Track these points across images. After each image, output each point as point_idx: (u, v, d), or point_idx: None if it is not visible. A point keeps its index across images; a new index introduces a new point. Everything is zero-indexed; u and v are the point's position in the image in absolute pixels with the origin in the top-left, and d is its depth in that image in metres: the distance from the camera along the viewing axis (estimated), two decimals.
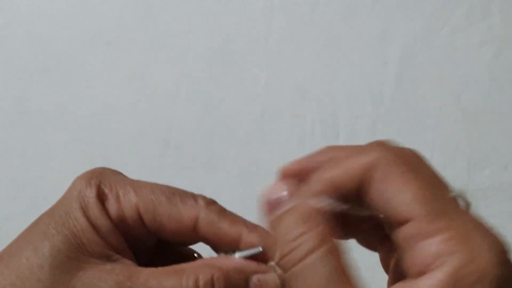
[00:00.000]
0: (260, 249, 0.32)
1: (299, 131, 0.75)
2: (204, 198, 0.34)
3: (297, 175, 0.32)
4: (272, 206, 0.30)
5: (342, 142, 0.74)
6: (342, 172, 0.29)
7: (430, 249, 0.25)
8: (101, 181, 0.32)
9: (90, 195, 0.32)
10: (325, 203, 0.29)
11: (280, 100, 0.76)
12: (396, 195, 0.27)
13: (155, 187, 0.33)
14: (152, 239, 0.34)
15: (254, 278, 0.31)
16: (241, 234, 0.32)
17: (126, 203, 0.32)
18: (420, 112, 0.75)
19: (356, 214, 0.31)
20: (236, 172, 0.73)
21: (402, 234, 0.27)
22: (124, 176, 0.34)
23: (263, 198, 0.30)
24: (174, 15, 0.79)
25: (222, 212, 0.33)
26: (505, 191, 0.72)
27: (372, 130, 0.75)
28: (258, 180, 0.72)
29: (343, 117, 0.75)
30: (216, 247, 0.33)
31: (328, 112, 0.76)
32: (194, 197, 0.33)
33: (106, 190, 0.32)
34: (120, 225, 0.32)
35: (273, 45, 0.78)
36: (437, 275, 0.24)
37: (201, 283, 0.30)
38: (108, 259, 0.31)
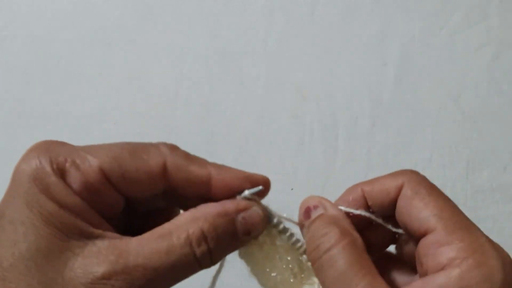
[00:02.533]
0: (261, 187, 0.34)
1: (298, 131, 0.75)
2: (166, 144, 0.33)
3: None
4: (307, 213, 0.34)
5: (341, 142, 0.74)
6: (379, 186, 0.35)
7: (448, 254, 0.30)
8: (52, 156, 0.30)
9: (47, 174, 0.29)
10: (349, 209, 0.35)
11: (280, 101, 0.76)
12: (421, 210, 0.32)
13: (113, 146, 0.32)
14: (120, 202, 0.32)
15: (239, 217, 0.32)
16: (210, 174, 0.33)
17: (88, 169, 0.30)
18: (419, 113, 0.75)
19: (377, 223, 0.35)
20: None
21: (423, 242, 0.32)
22: (72, 145, 0.32)
23: (300, 208, 0.35)
24: (173, 16, 0.79)
25: (188, 156, 0.34)
26: (504, 192, 0.73)
27: (371, 130, 0.75)
28: None
29: (343, 117, 0.75)
30: (185, 193, 0.33)
31: (327, 112, 0.76)
32: (155, 146, 0.33)
33: (61, 163, 0.30)
34: (87, 194, 0.30)
35: (272, 46, 0.78)
36: (452, 272, 0.29)
37: (192, 238, 0.30)
38: (89, 237, 0.29)
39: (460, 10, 0.77)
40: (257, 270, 0.35)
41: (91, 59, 0.78)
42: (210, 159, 0.81)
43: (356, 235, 0.32)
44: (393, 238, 0.37)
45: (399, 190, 0.34)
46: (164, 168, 0.32)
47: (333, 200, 0.36)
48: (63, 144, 0.32)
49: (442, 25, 0.77)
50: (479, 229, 0.32)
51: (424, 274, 0.31)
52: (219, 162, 0.84)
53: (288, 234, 0.35)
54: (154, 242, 0.30)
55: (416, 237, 0.32)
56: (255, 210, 0.33)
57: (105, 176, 0.31)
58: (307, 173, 0.73)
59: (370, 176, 0.75)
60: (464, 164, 0.74)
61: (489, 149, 0.74)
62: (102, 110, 0.76)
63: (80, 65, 0.78)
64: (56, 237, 0.28)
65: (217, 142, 0.76)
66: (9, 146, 0.75)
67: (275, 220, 0.35)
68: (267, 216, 0.34)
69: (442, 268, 0.30)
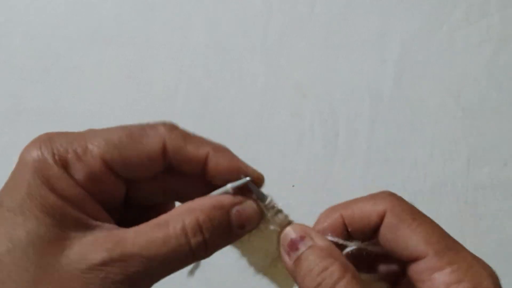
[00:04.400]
0: (248, 179, 0.33)
1: (298, 129, 0.75)
2: (164, 124, 0.33)
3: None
4: (293, 246, 0.33)
5: (341, 139, 0.74)
6: (359, 213, 0.34)
7: (442, 279, 0.31)
8: (54, 147, 0.30)
9: (49, 165, 0.30)
10: (339, 239, 0.34)
11: (279, 98, 0.76)
12: (409, 238, 0.32)
13: (111, 132, 0.32)
14: (121, 190, 0.32)
15: (234, 210, 0.32)
16: (207, 155, 0.33)
17: (90, 159, 0.30)
18: (419, 109, 0.75)
19: (367, 250, 0.35)
20: None
21: (416, 268, 0.32)
22: (73, 133, 0.32)
23: (282, 240, 0.33)
24: (173, 13, 0.79)
25: (187, 135, 0.33)
26: (505, 188, 0.72)
27: (371, 128, 0.75)
28: None
29: (342, 115, 0.75)
30: (183, 170, 0.33)
31: (327, 110, 0.76)
32: (154, 127, 0.33)
33: (63, 154, 0.30)
34: (89, 185, 0.30)
35: (272, 43, 0.78)
36: None
37: (188, 228, 0.30)
38: (87, 228, 0.29)
39: (460, 7, 0.77)
40: (248, 253, 0.35)
41: (90, 56, 0.78)
42: None
43: (350, 264, 0.32)
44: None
45: (381, 218, 0.33)
46: (164, 150, 0.32)
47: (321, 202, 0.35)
48: (64, 134, 0.32)
49: (442, 22, 0.77)
50: (464, 248, 0.32)
51: None
52: None
53: (281, 215, 0.34)
54: (151, 231, 0.30)
55: (407, 262, 0.33)
56: (250, 204, 0.33)
57: (106, 165, 0.31)
58: (308, 170, 0.73)
59: (370, 173, 0.75)
60: (465, 160, 0.74)
61: (490, 145, 0.74)
62: (101, 107, 0.76)
63: (79, 62, 0.77)
64: (55, 227, 0.29)
65: (216, 139, 0.75)
66: (8, 143, 0.75)
67: (267, 201, 0.34)
68: (263, 211, 0.34)
69: None
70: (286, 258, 0.33)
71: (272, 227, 0.34)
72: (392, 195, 0.34)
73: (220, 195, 0.33)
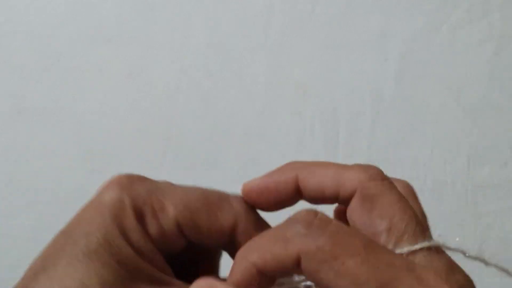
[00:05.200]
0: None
1: (299, 128, 0.75)
2: (240, 201, 0.31)
3: (259, 193, 0.32)
4: None
5: (342, 139, 0.74)
6: (270, 258, 0.27)
7: None
8: (133, 196, 0.29)
9: (128, 215, 0.28)
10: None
11: (280, 97, 0.76)
12: (334, 285, 0.25)
13: (189, 194, 0.30)
14: (182, 247, 0.31)
15: None
16: None
17: (165, 218, 0.29)
18: (420, 109, 0.75)
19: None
20: (236, 169, 0.73)
21: None
22: (152, 181, 0.31)
23: None
24: (173, 12, 0.79)
25: (258, 221, 0.31)
26: (505, 188, 0.72)
27: (372, 127, 0.75)
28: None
29: (343, 114, 0.75)
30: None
31: (328, 109, 0.76)
32: (228, 200, 0.31)
33: (142, 207, 0.29)
34: (160, 242, 0.29)
35: (273, 42, 0.77)
36: None
37: None
38: (161, 283, 0.28)
39: (462, 6, 0.77)
40: None
41: (91, 56, 0.78)
42: (211, 156, 0.81)
43: None
44: None
45: (297, 261, 0.27)
46: (234, 229, 0.31)
47: None
48: (144, 181, 0.31)
49: (444, 21, 0.77)
50: (406, 268, 0.25)
51: None
52: (219, 159, 0.83)
53: None
54: None
55: None
56: None
57: (179, 227, 0.30)
58: None
59: None
60: (465, 159, 0.74)
61: (490, 144, 0.74)
62: (102, 106, 0.76)
63: (80, 61, 0.77)
64: (128, 280, 0.27)
65: (217, 139, 0.76)
66: (9, 143, 0.75)
67: None
68: None
69: None
70: None
71: None
72: (302, 229, 0.27)
73: None
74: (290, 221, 0.28)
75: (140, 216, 0.29)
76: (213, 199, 0.31)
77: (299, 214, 0.28)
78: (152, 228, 0.29)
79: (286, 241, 0.27)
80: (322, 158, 0.74)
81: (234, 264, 0.29)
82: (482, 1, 0.77)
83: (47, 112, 0.76)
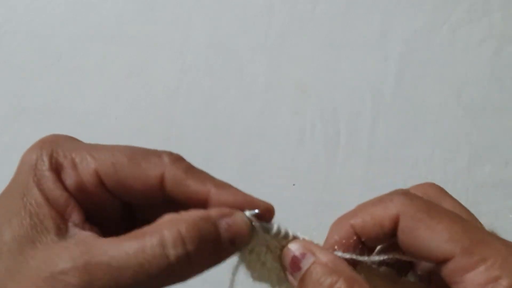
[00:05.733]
0: (257, 211, 0.31)
1: (299, 127, 0.75)
2: (170, 154, 0.32)
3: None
4: (295, 265, 0.31)
5: (342, 138, 0.74)
6: (370, 220, 0.31)
7: (477, 280, 0.28)
8: (54, 150, 0.31)
9: (43, 167, 0.30)
10: (344, 254, 0.31)
11: (281, 96, 0.76)
12: (430, 239, 0.30)
13: (115, 149, 0.31)
14: (116, 205, 0.32)
15: (223, 222, 0.30)
16: (209, 192, 0.31)
17: (84, 169, 0.30)
18: (420, 108, 0.75)
19: (380, 260, 0.33)
20: (236, 168, 0.73)
21: (445, 270, 0.30)
22: (79, 141, 0.32)
23: (283, 259, 0.31)
24: (174, 12, 0.78)
25: (190, 169, 0.32)
26: (506, 187, 0.72)
27: (372, 126, 0.75)
28: (259, 177, 0.72)
29: (344, 113, 0.75)
30: (184, 205, 0.31)
31: (328, 108, 0.75)
32: (158, 154, 0.32)
33: (60, 159, 0.31)
34: (79, 194, 0.30)
35: (273, 41, 0.77)
36: None
37: (167, 239, 0.28)
38: (66, 233, 0.29)
39: (462, 5, 0.77)
40: (261, 279, 0.34)
41: (91, 55, 0.78)
42: (211, 155, 0.81)
43: (358, 276, 0.30)
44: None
45: (394, 222, 0.31)
46: (162, 179, 0.31)
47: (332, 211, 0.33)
48: (70, 139, 0.32)
49: (444, 20, 0.77)
50: (494, 237, 0.30)
51: None
52: (219, 158, 0.83)
53: (289, 236, 0.32)
54: (126, 242, 0.28)
55: (435, 265, 0.31)
56: (240, 217, 0.30)
57: (100, 179, 0.31)
58: (309, 169, 0.73)
59: (371, 172, 0.75)
60: (466, 159, 0.74)
61: (491, 144, 0.74)
62: (103, 105, 0.76)
63: (81, 60, 0.77)
64: (35, 229, 0.29)
65: (217, 138, 0.75)
66: (8, 143, 0.75)
67: (274, 230, 0.32)
68: (256, 228, 0.31)
69: None
70: (291, 278, 0.31)
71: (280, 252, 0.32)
72: (403, 195, 0.32)
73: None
74: (387, 193, 0.32)
75: (58, 167, 0.30)
76: (140, 153, 0.31)
77: (394, 191, 0.32)
78: (70, 179, 0.30)
79: (387, 202, 0.31)
80: (322, 157, 0.74)
81: (331, 227, 0.32)
82: (483, 1, 0.77)
83: (47, 112, 0.76)
